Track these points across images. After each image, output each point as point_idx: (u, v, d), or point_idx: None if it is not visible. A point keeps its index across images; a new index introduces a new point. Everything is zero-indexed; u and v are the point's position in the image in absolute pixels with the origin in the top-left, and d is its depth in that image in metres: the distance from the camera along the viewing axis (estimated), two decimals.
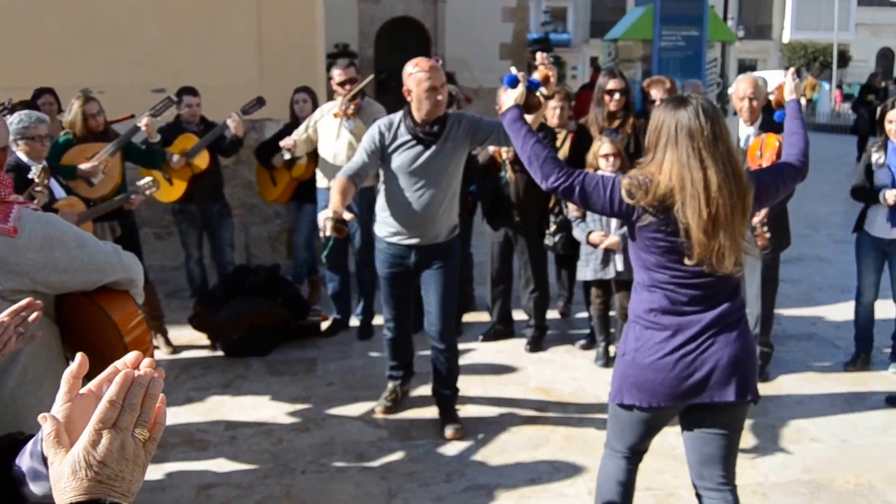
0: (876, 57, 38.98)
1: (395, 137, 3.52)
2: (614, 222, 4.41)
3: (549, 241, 4.73)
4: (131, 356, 0.86)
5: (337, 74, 4.84)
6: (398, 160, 3.52)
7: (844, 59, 35.34)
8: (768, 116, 4.71)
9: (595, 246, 4.44)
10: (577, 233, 4.53)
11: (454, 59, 16.47)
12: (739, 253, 2.21)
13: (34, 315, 1.55)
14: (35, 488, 0.84)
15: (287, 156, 5.06)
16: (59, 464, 0.78)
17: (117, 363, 0.85)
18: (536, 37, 29.48)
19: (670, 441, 3.66)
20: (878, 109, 4.47)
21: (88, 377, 2.41)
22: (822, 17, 36.12)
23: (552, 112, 4.85)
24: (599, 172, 4.46)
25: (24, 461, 0.85)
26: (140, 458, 0.80)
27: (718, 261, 2.17)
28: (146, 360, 0.86)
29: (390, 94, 17.77)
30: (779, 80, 3.31)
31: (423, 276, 3.72)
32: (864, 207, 4.34)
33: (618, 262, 4.42)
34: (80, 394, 0.83)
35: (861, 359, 4.52)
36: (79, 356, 0.86)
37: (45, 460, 0.82)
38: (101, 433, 0.78)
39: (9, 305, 1.52)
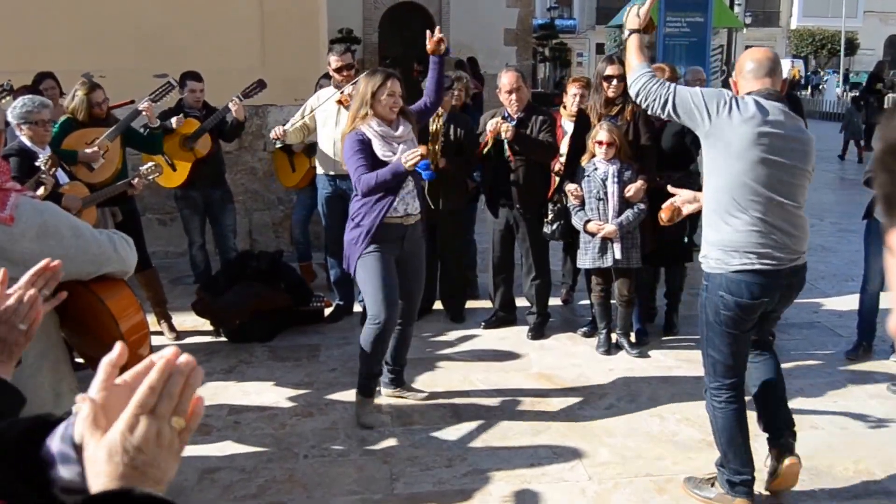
0: (884, 45, 38.67)
1: None
2: (611, 211, 4.41)
3: (547, 229, 4.73)
4: (169, 351, 0.84)
5: (333, 60, 4.82)
6: None
7: (852, 46, 35.10)
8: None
9: (592, 234, 4.45)
10: (575, 221, 4.54)
11: (458, 45, 16.38)
12: None
13: (58, 275, 1.50)
14: (64, 472, 0.82)
15: (278, 144, 5.06)
16: (95, 446, 0.77)
17: (154, 356, 0.83)
18: (542, 22, 29.31)
19: (670, 428, 3.68)
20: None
21: (89, 362, 2.41)
22: (830, 4, 35.85)
23: (572, 99, 4.82)
24: (595, 160, 4.46)
25: (55, 443, 0.83)
26: (174, 447, 0.80)
27: None
28: (185, 356, 0.84)
29: None
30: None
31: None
32: None
33: (616, 251, 4.42)
34: (115, 384, 0.82)
35: (863, 348, 4.52)
36: (118, 345, 0.84)
37: (74, 445, 0.81)
38: (139, 418, 0.77)
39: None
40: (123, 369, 2.24)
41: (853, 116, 14.14)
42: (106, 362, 0.82)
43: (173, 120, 5.00)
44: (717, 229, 2.79)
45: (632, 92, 2.96)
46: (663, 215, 3.13)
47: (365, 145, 3.50)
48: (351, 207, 3.69)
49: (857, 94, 17.61)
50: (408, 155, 3.35)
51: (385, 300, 3.58)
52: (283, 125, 4.94)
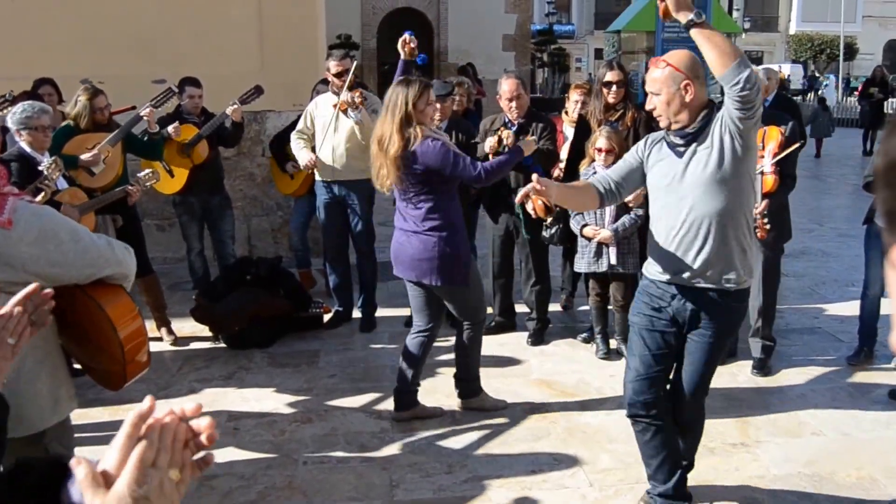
0: (883, 49, 38.76)
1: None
2: (608, 216, 4.41)
3: (545, 233, 4.73)
4: (191, 407, 0.89)
5: (333, 65, 4.81)
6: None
7: (851, 51, 35.15)
8: (771, 109, 4.71)
9: (589, 239, 4.46)
10: (573, 225, 4.55)
11: (456, 51, 16.43)
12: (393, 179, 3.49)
13: (48, 304, 1.52)
14: None
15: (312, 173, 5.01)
16: (103, 502, 0.81)
17: (175, 408, 0.88)
18: (540, 28, 29.37)
19: None
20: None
21: (86, 370, 2.39)
22: (828, 8, 35.92)
23: (574, 105, 4.82)
24: (594, 165, 4.47)
25: (76, 491, 0.85)
26: (174, 498, 0.85)
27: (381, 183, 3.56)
28: (206, 419, 0.90)
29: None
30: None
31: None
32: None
33: (611, 256, 4.42)
34: (140, 435, 0.86)
35: (864, 353, 4.50)
36: (148, 399, 0.88)
37: None
38: (144, 471, 0.82)
39: (5, 297, 1.50)
40: (125, 377, 2.23)
41: (819, 116, 14.50)
42: (134, 416, 0.86)
43: (170, 128, 4.98)
44: (750, 249, 2.79)
45: (741, 90, 2.47)
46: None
47: (450, 145, 3.50)
48: (431, 213, 3.52)
49: (823, 95, 18.12)
50: (530, 140, 3.89)
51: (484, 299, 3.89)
52: (304, 146, 4.90)
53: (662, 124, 2.75)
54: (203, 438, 0.89)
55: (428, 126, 3.50)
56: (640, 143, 2.89)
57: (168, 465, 0.84)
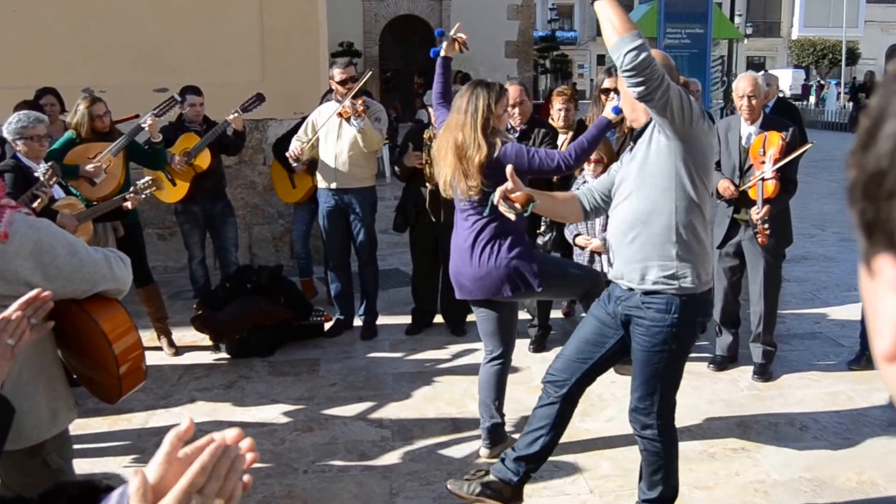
0: (885, 54, 38.71)
1: None
2: (598, 225, 4.42)
3: (539, 240, 4.74)
4: (232, 434, 0.88)
5: (337, 73, 4.82)
6: None
7: (853, 56, 35.12)
8: (772, 115, 4.71)
9: (582, 248, 4.47)
10: (567, 234, 4.56)
11: (459, 58, 16.40)
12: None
13: (47, 306, 1.54)
14: None
15: (298, 167, 5.03)
16: None
17: (215, 434, 0.87)
18: (543, 34, 29.45)
19: None
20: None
21: (83, 381, 2.38)
22: (830, 13, 35.92)
23: (558, 113, 4.84)
24: (584, 174, 4.47)
25: None
26: None
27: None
28: (247, 441, 0.89)
29: (395, 93, 17.76)
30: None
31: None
32: None
33: (603, 264, 4.42)
34: (177, 457, 0.86)
35: (865, 357, 4.48)
36: (186, 420, 0.88)
37: None
38: (189, 496, 0.82)
39: (0, 310, 1.51)
40: (120, 391, 2.23)
41: None
42: (173, 436, 0.86)
43: (176, 161, 4.99)
44: (689, 246, 2.62)
45: (626, 59, 2.36)
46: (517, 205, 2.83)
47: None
48: (497, 230, 3.31)
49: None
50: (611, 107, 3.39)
51: None
52: (299, 143, 4.90)
53: (633, 125, 2.71)
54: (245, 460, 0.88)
55: (500, 129, 3.44)
56: (624, 155, 2.82)
57: (215, 494, 0.84)
